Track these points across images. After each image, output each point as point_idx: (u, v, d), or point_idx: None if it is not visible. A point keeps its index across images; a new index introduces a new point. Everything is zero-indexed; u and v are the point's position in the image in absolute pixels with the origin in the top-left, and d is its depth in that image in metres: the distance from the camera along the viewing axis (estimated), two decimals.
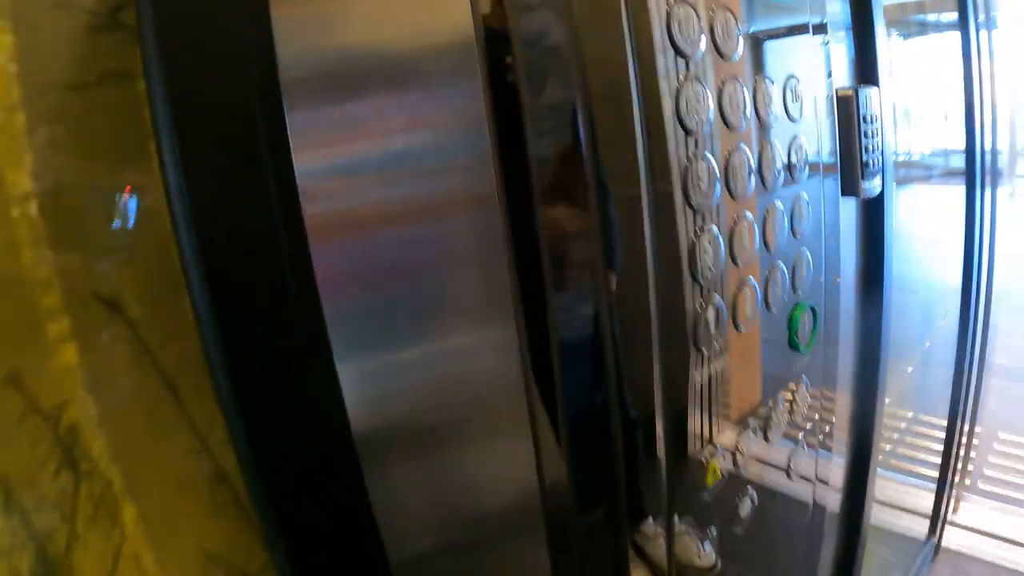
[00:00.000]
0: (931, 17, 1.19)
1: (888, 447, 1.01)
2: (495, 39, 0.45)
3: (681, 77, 0.57)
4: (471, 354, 0.48)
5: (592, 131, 0.49)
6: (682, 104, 0.57)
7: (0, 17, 0.44)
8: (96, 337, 0.47)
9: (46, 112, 0.46)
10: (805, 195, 0.71)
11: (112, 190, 0.48)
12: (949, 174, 1.18)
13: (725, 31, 0.62)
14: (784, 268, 0.69)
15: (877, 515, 0.98)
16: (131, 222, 0.48)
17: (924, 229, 1.17)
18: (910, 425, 1.08)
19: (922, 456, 1.19)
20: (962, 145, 1.17)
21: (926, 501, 1.15)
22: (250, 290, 0.48)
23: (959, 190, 1.15)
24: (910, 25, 1.12)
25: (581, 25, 0.48)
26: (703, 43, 0.59)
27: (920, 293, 1.14)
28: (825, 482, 0.88)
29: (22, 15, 0.45)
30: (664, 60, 0.56)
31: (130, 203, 0.49)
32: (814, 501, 0.87)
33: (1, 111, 0.45)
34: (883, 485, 0.99)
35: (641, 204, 0.54)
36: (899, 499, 1.11)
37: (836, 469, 0.94)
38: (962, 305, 1.15)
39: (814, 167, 0.72)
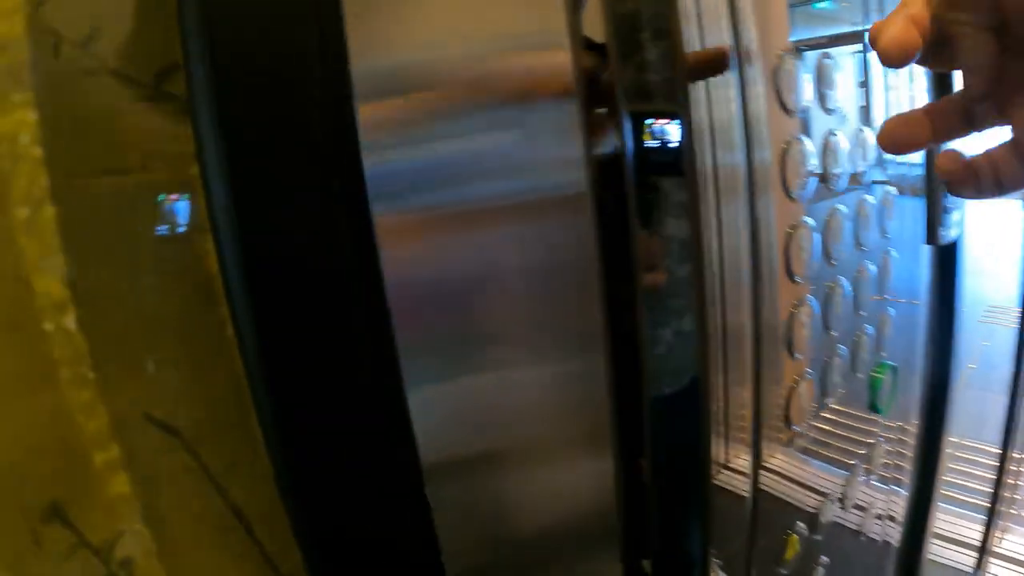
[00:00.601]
0: None
1: None
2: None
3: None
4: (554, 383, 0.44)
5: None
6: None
7: (21, 89, 0.37)
8: (150, 464, 0.41)
9: (81, 205, 0.39)
10: (894, 252, 0.66)
11: (163, 295, 0.41)
12: None
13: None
14: (870, 329, 0.65)
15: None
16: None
17: (974, 241, 1.13)
18: (955, 451, 1.06)
19: (966, 483, 1.17)
20: None
21: (968, 530, 1.13)
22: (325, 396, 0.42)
23: (1015, 204, 1.11)
24: None
25: None
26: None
27: (966, 310, 1.11)
28: (892, 518, 0.85)
29: (47, 86, 0.37)
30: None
31: None
32: (882, 540, 0.84)
33: (26, 205, 0.38)
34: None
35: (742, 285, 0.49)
36: (944, 528, 1.09)
37: (899, 503, 0.91)
38: (1020, 327, 1.11)
39: (901, 215, 0.67)
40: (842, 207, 0.58)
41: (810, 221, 0.54)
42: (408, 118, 0.37)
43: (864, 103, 0.68)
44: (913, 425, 0.85)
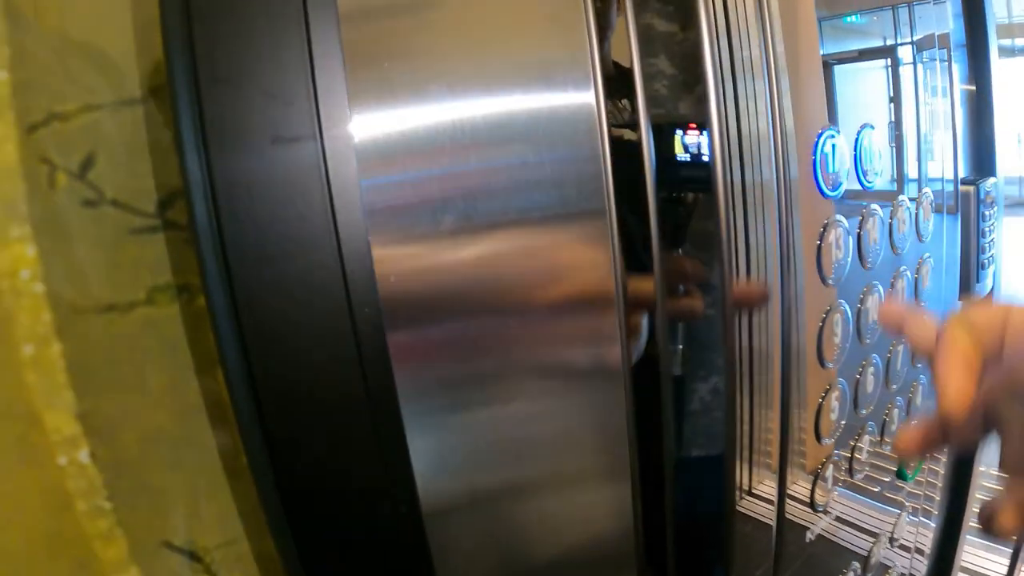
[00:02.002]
0: (1008, 42, 1.08)
1: None
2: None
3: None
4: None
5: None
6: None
7: (18, 223, 0.36)
8: None
9: (87, 340, 0.38)
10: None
11: (176, 426, 0.40)
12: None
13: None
14: (901, 401, 0.63)
15: None
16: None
17: (1010, 264, 1.09)
18: (984, 480, 1.04)
19: None
20: None
21: (996, 565, 1.12)
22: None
23: None
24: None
25: None
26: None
27: None
28: (920, 551, 0.84)
29: (45, 219, 0.36)
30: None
31: None
32: (909, 573, 0.83)
33: (31, 342, 0.37)
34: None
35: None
36: (972, 563, 1.08)
37: (926, 534, 0.90)
38: None
39: (937, 278, 0.64)
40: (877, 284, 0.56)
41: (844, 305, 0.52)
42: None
43: (893, 118, 0.65)
44: (942, 454, 0.83)
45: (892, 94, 0.65)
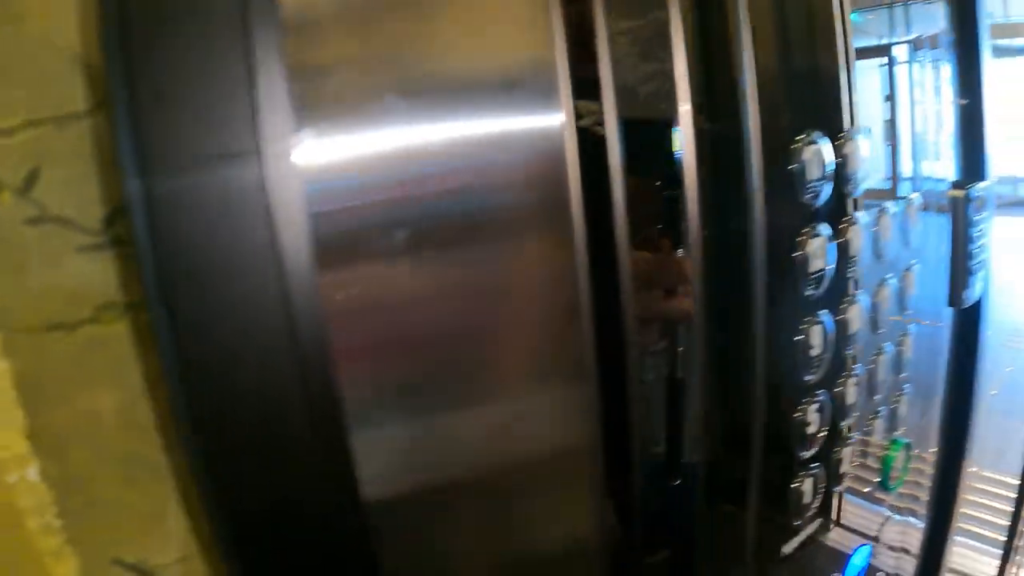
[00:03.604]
0: (1004, 42, 1.05)
1: None
2: None
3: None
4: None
5: None
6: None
7: None
8: None
9: (33, 359, 0.37)
10: (914, 329, 0.62)
11: (126, 443, 0.40)
12: (1020, 204, 1.07)
13: None
14: (884, 411, 0.61)
15: None
16: None
17: (996, 263, 1.07)
18: (972, 481, 1.03)
19: (983, 516, 1.14)
20: None
21: (984, 566, 1.11)
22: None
23: None
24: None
25: None
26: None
27: (990, 334, 1.06)
28: (906, 551, 0.83)
29: None
30: None
31: None
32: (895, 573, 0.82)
33: None
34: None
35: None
36: (958, 563, 1.07)
37: (914, 534, 0.89)
38: None
39: (923, 285, 0.62)
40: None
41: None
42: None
43: (889, 117, 0.63)
44: (931, 454, 0.82)
45: (888, 94, 0.64)
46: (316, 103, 0.34)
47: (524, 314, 0.41)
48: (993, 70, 0.67)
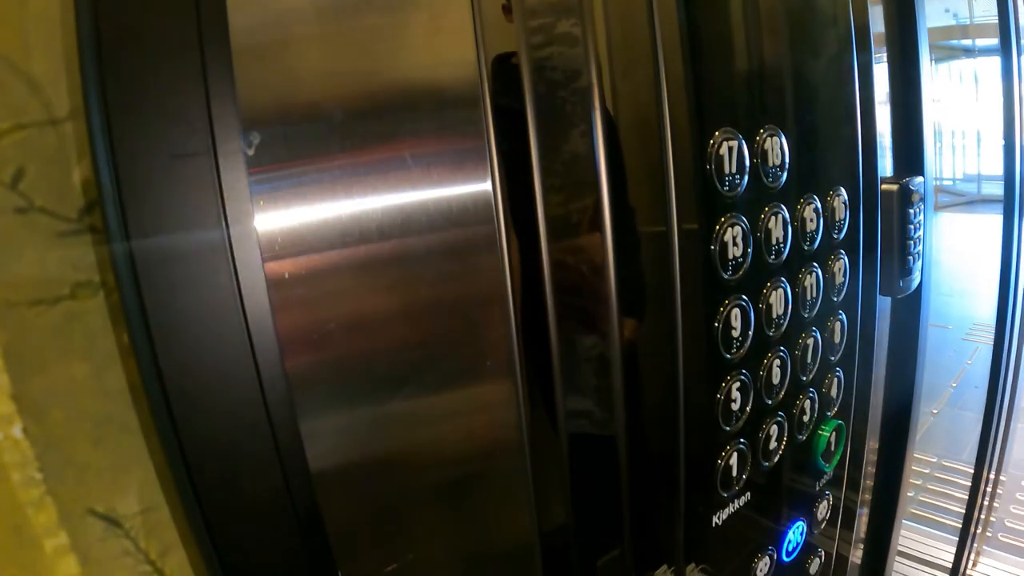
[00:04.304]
0: (969, 42, 1.08)
1: (909, 494, 0.99)
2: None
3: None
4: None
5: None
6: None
7: None
8: (96, 551, 0.46)
9: (19, 330, 0.42)
10: (843, 316, 0.66)
11: (98, 406, 0.45)
12: (983, 201, 1.10)
13: None
14: (813, 392, 0.65)
15: (896, 568, 0.97)
16: None
17: (955, 259, 1.11)
18: (932, 471, 1.06)
19: (943, 504, 1.17)
20: (999, 171, 1.09)
21: (945, 552, 1.14)
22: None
23: (995, 219, 1.08)
24: (946, 49, 1.02)
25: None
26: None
27: (951, 330, 1.09)
28: (847, 538, 0.87)
29: None
30: None
31: None
32: (835, 553, 0.86)
33: None
34: (902, 535, 0.98)
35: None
36: (918, 550, 1.10)
37: (860, 519, 0.92)
38: (995, 344, 1.10)
39: (853, 275, 0.66)
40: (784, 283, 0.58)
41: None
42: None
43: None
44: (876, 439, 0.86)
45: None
46: (260, 107, 0.39)
47: (455, 313, 0.45)
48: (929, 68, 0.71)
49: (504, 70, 0.45)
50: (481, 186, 0.42)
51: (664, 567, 0.59)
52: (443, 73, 0.43)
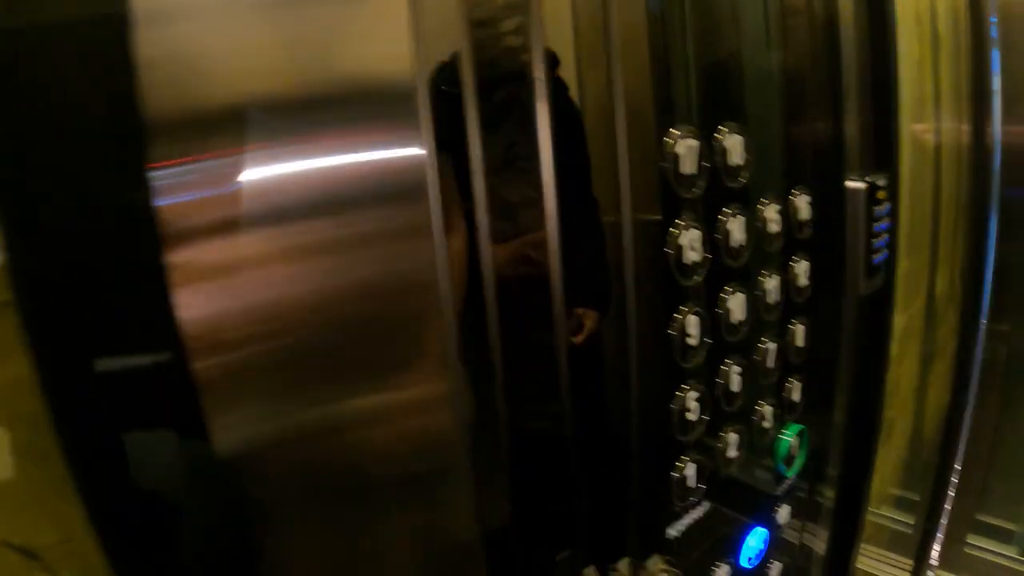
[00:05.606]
0: None
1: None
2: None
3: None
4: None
5: None
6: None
7: None
8: None
9: None
10: (807, 318, 0.64)
11: (13, 433, 0.41)
12: None
13: None
14: (775, 398, 0.63)
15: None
16: None
17: None
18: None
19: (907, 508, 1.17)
20: None
21: (910, 544, 1.14)
22: None
23: None
24: None
25: None
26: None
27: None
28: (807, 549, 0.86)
29: None
30: None
31: None
32: (798, 557, 0.85)
33: None
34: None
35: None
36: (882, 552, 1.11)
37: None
38: (961, 340, 1.10)
39: (817, 276, 0.64)
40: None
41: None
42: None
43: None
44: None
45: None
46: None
47: (392, 309, 0.42)
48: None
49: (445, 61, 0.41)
50: (415, 169, 0.39)
51: None
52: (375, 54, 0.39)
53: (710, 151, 0.51)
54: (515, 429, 0.47)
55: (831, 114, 0.65)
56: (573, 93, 0.47)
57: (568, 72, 0.46)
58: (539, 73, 0.42)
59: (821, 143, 0.66)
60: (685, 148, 0.49)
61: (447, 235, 0.40)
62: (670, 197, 0.50)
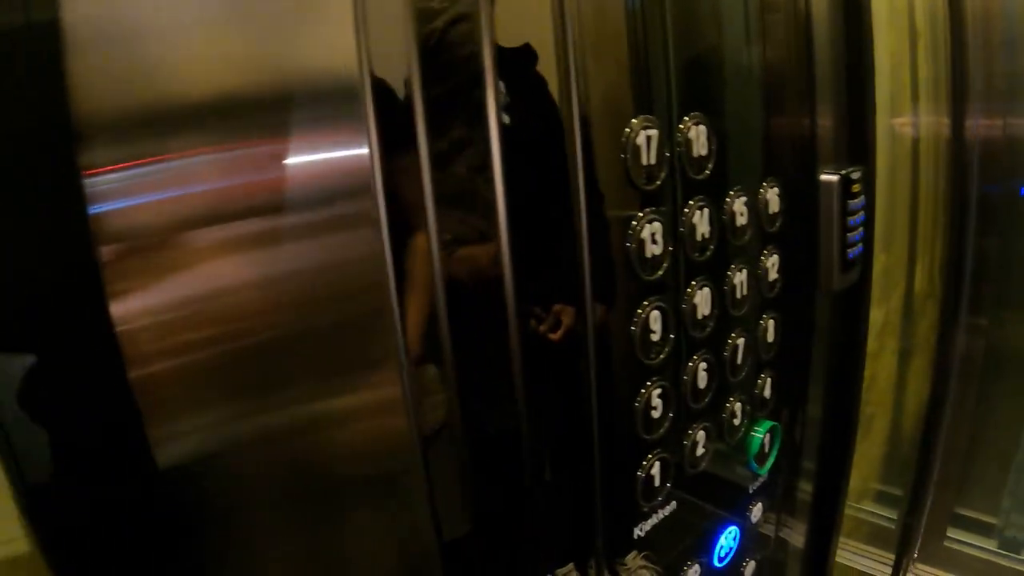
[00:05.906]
0: None
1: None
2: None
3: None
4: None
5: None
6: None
7: None
8: None
9: None
10: (777, 314, 0.63)
11: None
12: None
13: None
14: (745, 395, 0.62)
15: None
16: None
17: None
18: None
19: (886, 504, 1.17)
20: None
21: (889, 538, 1.13)
22: None
23: None
24: None
25: None
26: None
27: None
28: (784, 545, 0.85)
29: None
30: None
31: None
32: (776, 536, 0.84)
33: None
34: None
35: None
36: (860, 546, 1.10)
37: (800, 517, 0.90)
38: (939, 336, 1.09)
39: (788, 271, 0.63)
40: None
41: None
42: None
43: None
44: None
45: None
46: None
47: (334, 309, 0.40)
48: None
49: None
50: (360, 162, 0.37)
51: None
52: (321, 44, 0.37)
53: (671, 142, 0.50)
54: (472, 429, 0.46)
55: (805, 106, 0.64)
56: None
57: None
58: (489, 66, 0.41)
59: (795, 136, 0.65)
60: (644, 138, 0.48)
61: (398, 237, 0.39)
62: (630, 189, 0.48)
